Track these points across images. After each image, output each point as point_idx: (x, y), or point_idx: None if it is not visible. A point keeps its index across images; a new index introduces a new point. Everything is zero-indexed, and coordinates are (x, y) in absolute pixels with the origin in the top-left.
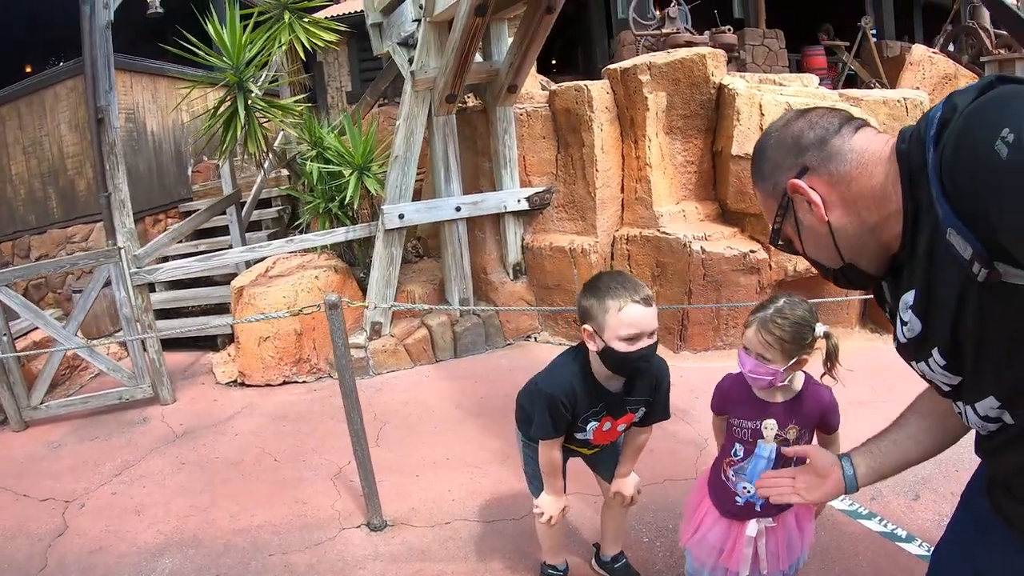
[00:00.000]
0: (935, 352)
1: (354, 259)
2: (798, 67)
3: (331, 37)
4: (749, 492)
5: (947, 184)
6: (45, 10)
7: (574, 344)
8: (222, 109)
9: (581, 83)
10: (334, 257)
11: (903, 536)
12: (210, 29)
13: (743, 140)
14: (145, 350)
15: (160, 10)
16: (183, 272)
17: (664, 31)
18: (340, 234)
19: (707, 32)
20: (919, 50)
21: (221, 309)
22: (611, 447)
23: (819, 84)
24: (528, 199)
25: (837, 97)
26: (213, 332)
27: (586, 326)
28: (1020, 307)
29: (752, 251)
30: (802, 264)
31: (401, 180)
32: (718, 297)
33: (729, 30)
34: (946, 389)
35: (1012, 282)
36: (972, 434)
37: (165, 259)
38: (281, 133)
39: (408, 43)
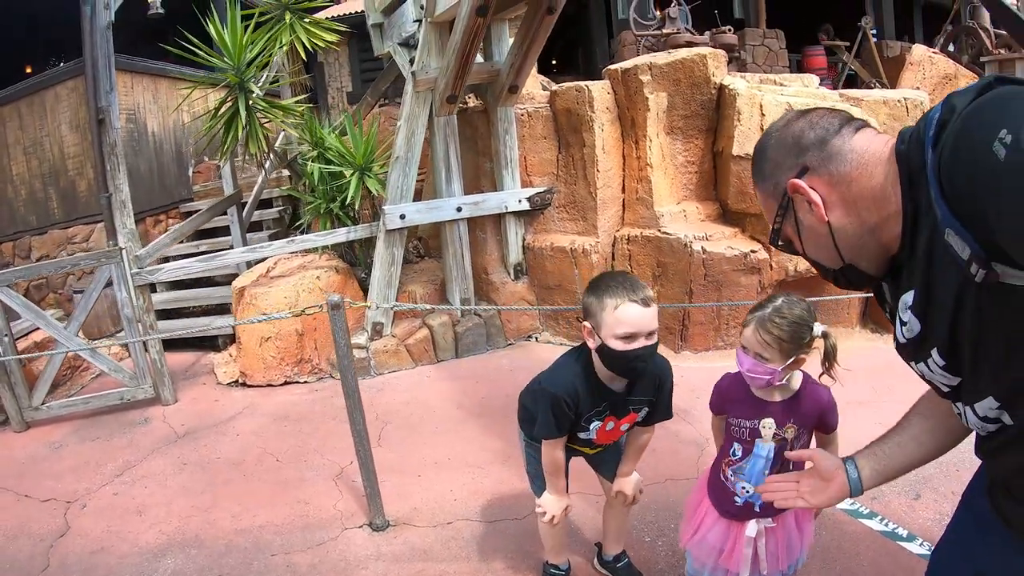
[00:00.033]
0: (934, 352)
1: (355, 259)
2: (798, 67)
3: (332, 38)
4: (748, 492)
5: (945, 185)
6: (45, 10)
7: (575, 344)
8: (223, 109)
9: (582, 83)
10: (335, 257)
11: (904, 535)
12: (211, 30)
13: (744, 140)
14: (147, 350)
15: (161, 11)
16: (184, 273)
17: (664, 31)
18: (341, 234)
19: (707, 32)
20: (919, 50)
21: (222, 309)
22: (614, 447)
23: (819, 84)
24: (529, 199)
25: (838, 97)
26: (215, 332)
27: (586, 323)
28: (1018, 307)
29: (753, 251)
30: (803, 264)
31: (402, 180)
32: (719, 297)
33: (729, 30)
34: (945, 390)
35: (1010, 283)
36: (974, 435)
37: (166, 259)
38: (282, 133)
39: (409, 43)
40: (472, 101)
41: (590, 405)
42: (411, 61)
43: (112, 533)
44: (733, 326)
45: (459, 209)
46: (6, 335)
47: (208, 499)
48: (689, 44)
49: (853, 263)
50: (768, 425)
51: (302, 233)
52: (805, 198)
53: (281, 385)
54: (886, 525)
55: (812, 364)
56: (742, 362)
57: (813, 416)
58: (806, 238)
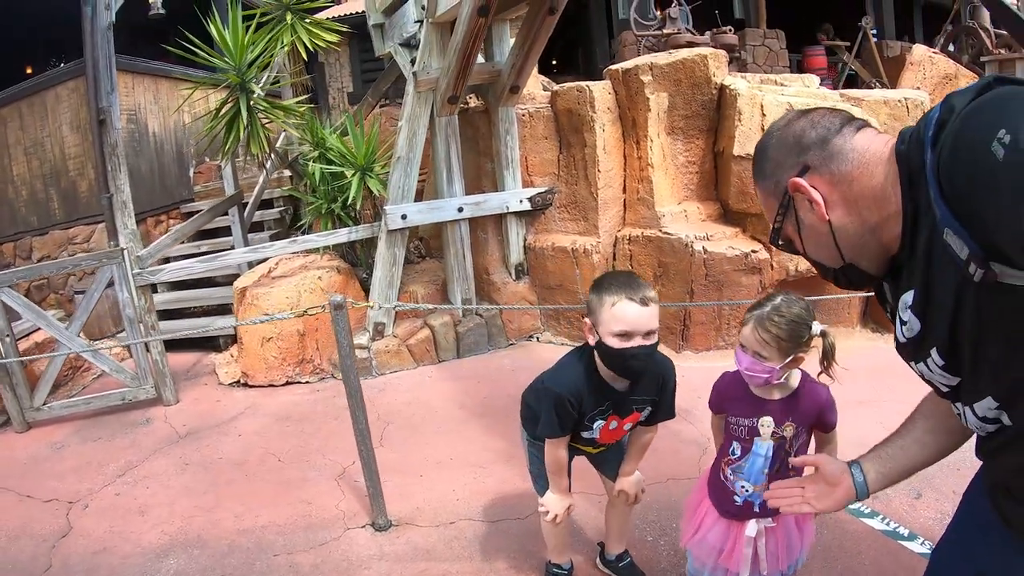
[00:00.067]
0: (933, 352)
1: (357, 260)
2: (799, 67)
3: (333, 38)
4: (747, 491)
5: (944, 185)
6: (45, 11)
7: (576, 344)
8: (225, 110)
9: (583, 84)
10: (336, 258)
11: (905, 534)
12: (212, 30)
13: (745, 140)
14: (148, 351)
15: (162, 11)
16: (186, 273)
17: (665, 31)
18: (343, 235)
19: (708, 32)
20: (919, 50)
21: (223, 310)
22: (616, 446)
23: (820, 84)
24: (530, 199)
25: (838, 97)
26: (217, 333)
27: (587, 320)
28: (1017, 307)
29: (754, 251)
30: (803, 264)
31: (404, 181)
32: (720, 297)
33: (730, 30)
34: (944, 390)
35: (1008, 282)
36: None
37: (167, 260)
38: (283, 134)
39: (410, 44)
40: (473, 101)
41: (593, 404)
42: (412, 61)
43: (114, 533)
44: (734, 326)
45: (460, 209)
46: (7, 336)
47: (210, 499)
48: (690, 44)
49: (853, 262)
50: (767, 423)
51: (303, 233)
52: (806, 197)
53: (283, 385)
54: (887, 524)
55: (811, 363)
56: (740, 360)
57: (812, 414)
58: (807, 237)
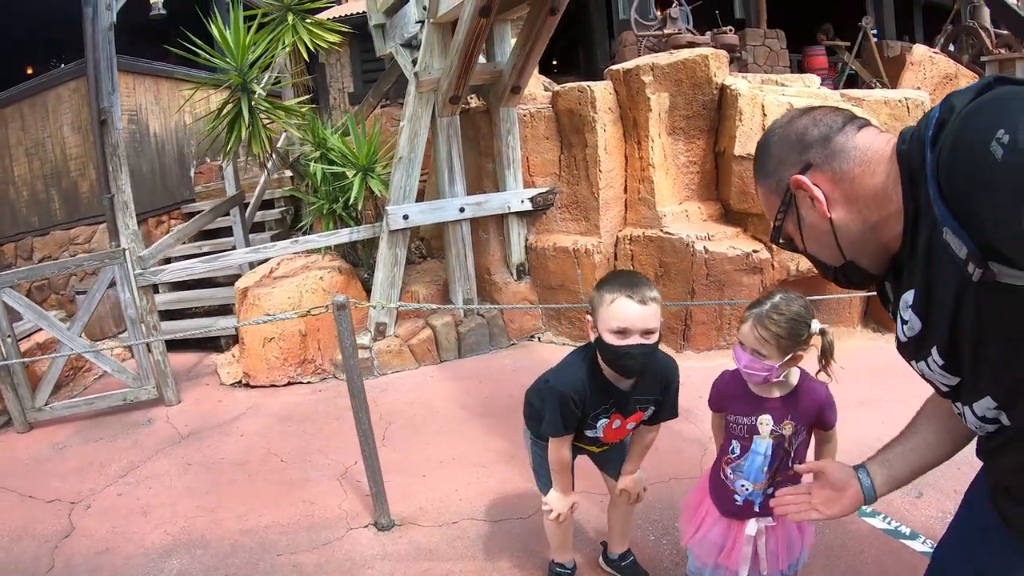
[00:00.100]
0: (934, 352)
1: (358, 260)
2: (799, 67)
3: (334, 38)
4: (747, 490)
5: (944, 185)
6: (46, 11)
7: (578, 344)
8: (226, 110)
9: (584, 84)
10: (338, 258)
11: (907, 533)
12: (214, 30)
13: (745, 140)
14: (150, 351)
15: (163, 12)
16: (188, 273)
17: (666, 32)
18: (344, 235)
19: (708, 32)
20: (920, 50)
21: (224, 310)
22: (619, 445)
23: (820, 84)
24: (532, 200)
25: (839, 97)
26: (219, 333)
27: (589, 317)
28: (1016, 307)
29: (755, 251)
30: (804, 264)
31: (405, 181)
32: (721, 297)
33: (731, 30)
34: (945, 390)
35: (1007, 282)
36: None
37: (168, 260)
38: (284, 134)
39: (411, 44)
40: (475, 102)
41: (596, 403)
42: (414, 62)
43: (117, 534)
44: (735, 326)
45: (462, 209)
46: (9, 336)
47: (213, 499)
48: (690, 44)
49: (854, 261)
50: (765, 422)
51: (305, 234)
52: (808, 194)
53: (284, 386)
54: (889, 523)
55: (810, 361)
56: (739, 358)
57: (811, 413)
58: (807, 235)
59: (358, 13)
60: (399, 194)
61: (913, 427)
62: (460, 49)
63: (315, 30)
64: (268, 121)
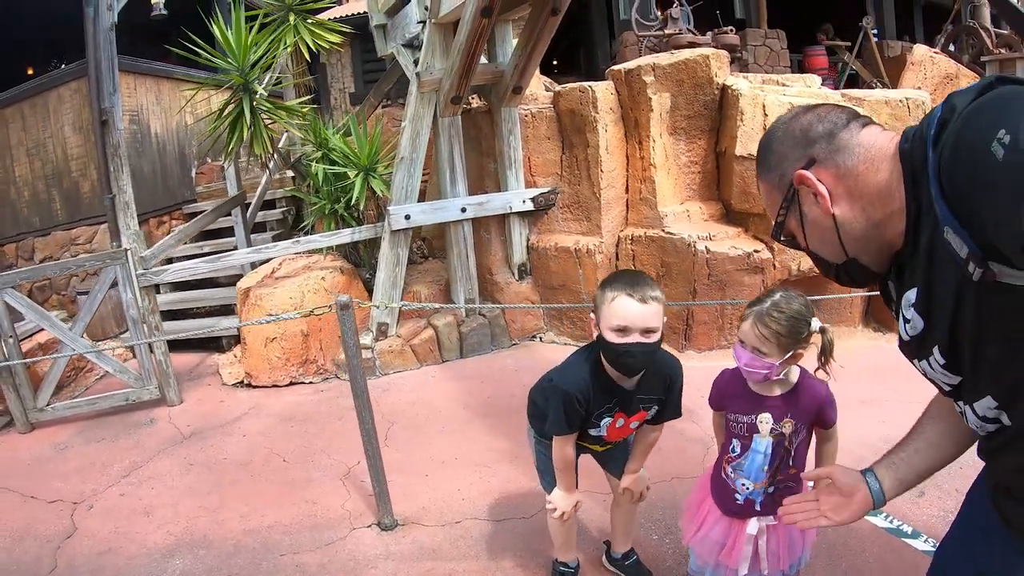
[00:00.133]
0: (935, 351)
1: (360, 260)
2: (800, 67)
3: (336, 39)
4: (748, 489)
5: (945, 184)
6: (46, 11)
7: (580, 344)
8: (228, 111)
9: (586, 84)
10: (340, 258)
11: (909, 532)
12: (215, 31)
13: (747, 140)
14: (152, 351)
15: (164, 12)
16: (191, 273)
17: (667, 32)
18: (346, 235)
19: (709, 33)
20: (920, 50)
21: (225, 310)
22: (622, 444)
23: (821, 84)
24: (533, 200)
25: (840, 97)
26: (221, 333)
27: (592, 315)
28: (1016, 307)
29: (756, 251)
30: (806, 263)
31: (407, 181)
32: (722, 296)
33: (731, 30)
34: (947, 389)
35: (1007, 282)
36: None
37: (170, 260)
38: (285, 135)
39: (413, 44)
40: (476, 102)
41: (600, 402)
42: (415, 62)
43: (119, 534)
44: (736, 325)
45: (464, 210)
46: (11, 337)
47: (215, 500)
48: (691, 44)
49: (856, 258)
50: (765, 420)
51: (306, 234)
52: (812, 190)
53: (286, 386)
54: (891, 522)
55: (810, 360)
56: (740, 356)
57: (810, 411)
58: (810, 231)
59: (359, 13)
60: (401, 194)
61: (919, 429)
62: (462, 49)
63: (316, 30)
64: (270, 121)
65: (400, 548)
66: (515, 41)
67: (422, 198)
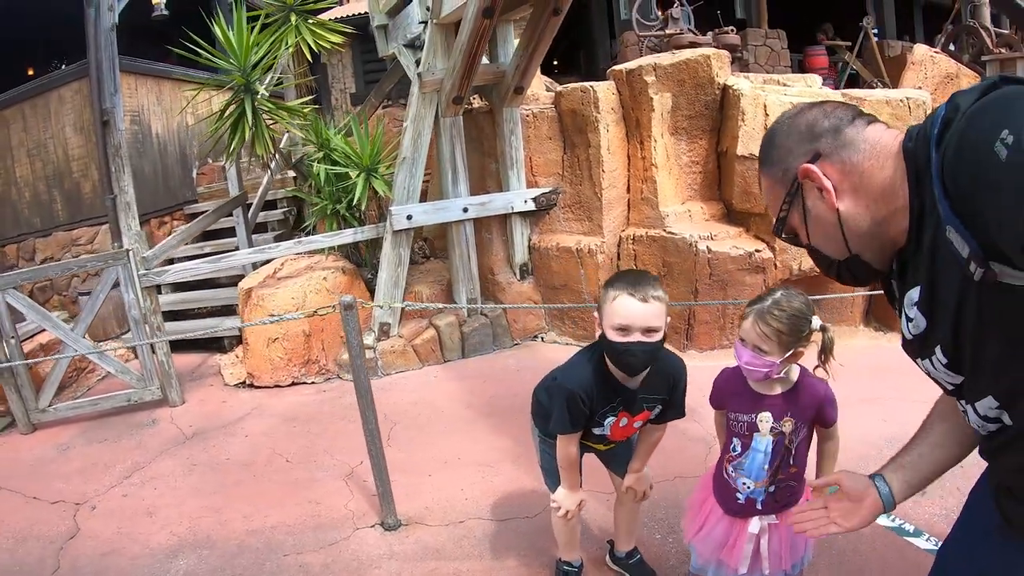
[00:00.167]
0: (937, 350)
1: (361, 260)
2: (800, 67)
3: (337, 39)
4: (749, 488)
5: (948, 184)
6: (46, 12)
7: (582, 344)
8: (229, 111)
9: (587, 84)
10: (341, 258)
11: (911, 531)
12: (217, 31)
13: (748, 140)
14: (154, 352)
15: (165, 12)
16: (193, 274)
17: (667, 32)
18: (348, 235)
19: (710, 33)
20: (921, 49)
21: (227, 311)
22: (626, 443)
23: (822, 84)
24: (535, 200)
25: (840, 97)
26: (223, 334)
27: (596, 314)
28: (1017, 308)
29: (757, 250)
30: (807, 263)
31: (408, 181)
32: (724, 296)
33: (732, 30)
34: (949, 388)
35: (1008, 282)
36: None
37: (171, 261)
38: (287, 135)
39: (414, 45)
40: (477, 102)
41: (604, 401)
42: (417, 62)
43: (123, 535)
44: (738, 325)
45: (465, 210)
46: (12, 337)
47: (219, 500)
48: (692, 45)
49: (859, 254)
50: (765, 419)
51: (308, 234)
52: (816, 184)
53: (288, 386)
54: (893, 521)
55: (810, 360)
56: (740, 354)
57: (811, 409)
58: (813, 227)
59: (360, 14)
60: (403, 194)
61: (925, 430)
62: (463, 50)
63: (318, 31)
64: (271, 122)
65: (404, 548)
66: (516, 41)
67: (424, 198)
